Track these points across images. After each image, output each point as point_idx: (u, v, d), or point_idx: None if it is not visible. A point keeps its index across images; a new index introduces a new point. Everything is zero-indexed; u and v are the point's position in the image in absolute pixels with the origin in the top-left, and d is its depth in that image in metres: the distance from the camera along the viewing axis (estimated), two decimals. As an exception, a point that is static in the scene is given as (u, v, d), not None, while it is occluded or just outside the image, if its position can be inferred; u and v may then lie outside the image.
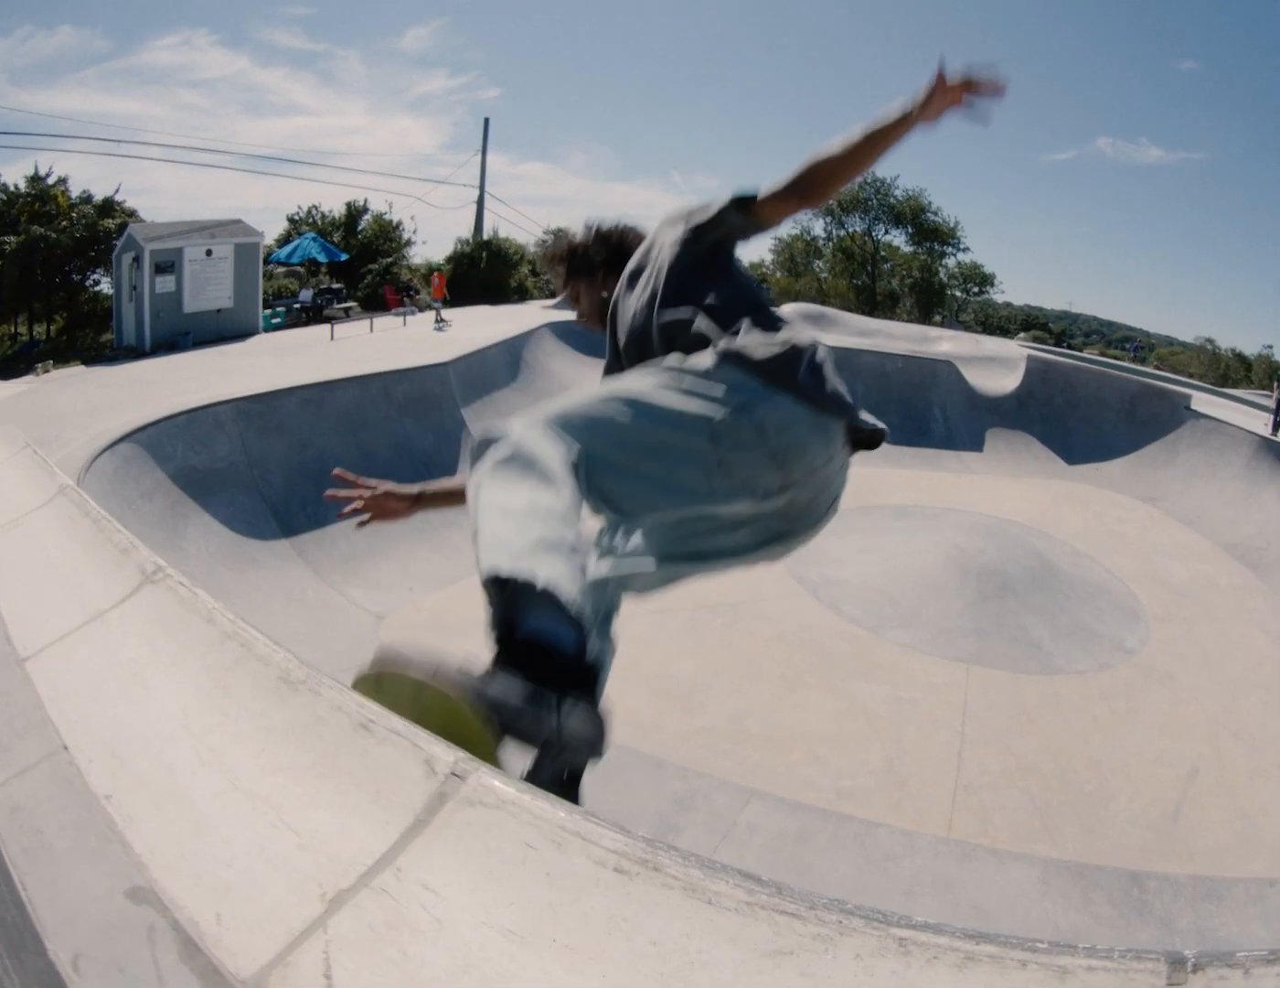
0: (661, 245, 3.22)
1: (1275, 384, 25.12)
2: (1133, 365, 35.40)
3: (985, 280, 69.03)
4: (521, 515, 2.21)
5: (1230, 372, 67.24)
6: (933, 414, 22.63)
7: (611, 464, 2.60)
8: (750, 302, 3.10)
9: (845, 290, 62.40)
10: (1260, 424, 23.10)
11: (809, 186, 3.04)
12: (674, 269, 3.11)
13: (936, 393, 23.05)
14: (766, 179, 3.11)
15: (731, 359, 2.77)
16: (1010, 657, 11.38)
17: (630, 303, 3.21)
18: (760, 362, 2.78)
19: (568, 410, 2.60)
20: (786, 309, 32.27)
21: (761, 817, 7.95)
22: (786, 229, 66.72)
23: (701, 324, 2.95)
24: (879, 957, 1.48)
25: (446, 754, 1.84)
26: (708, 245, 3.19)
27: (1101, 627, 12.79)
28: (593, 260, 3.57)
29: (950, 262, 66.97)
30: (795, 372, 2.85)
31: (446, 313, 27.78)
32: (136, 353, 21.70)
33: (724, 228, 3.20)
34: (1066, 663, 11.56)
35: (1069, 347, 60.21)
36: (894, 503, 16.45)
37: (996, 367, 26.16)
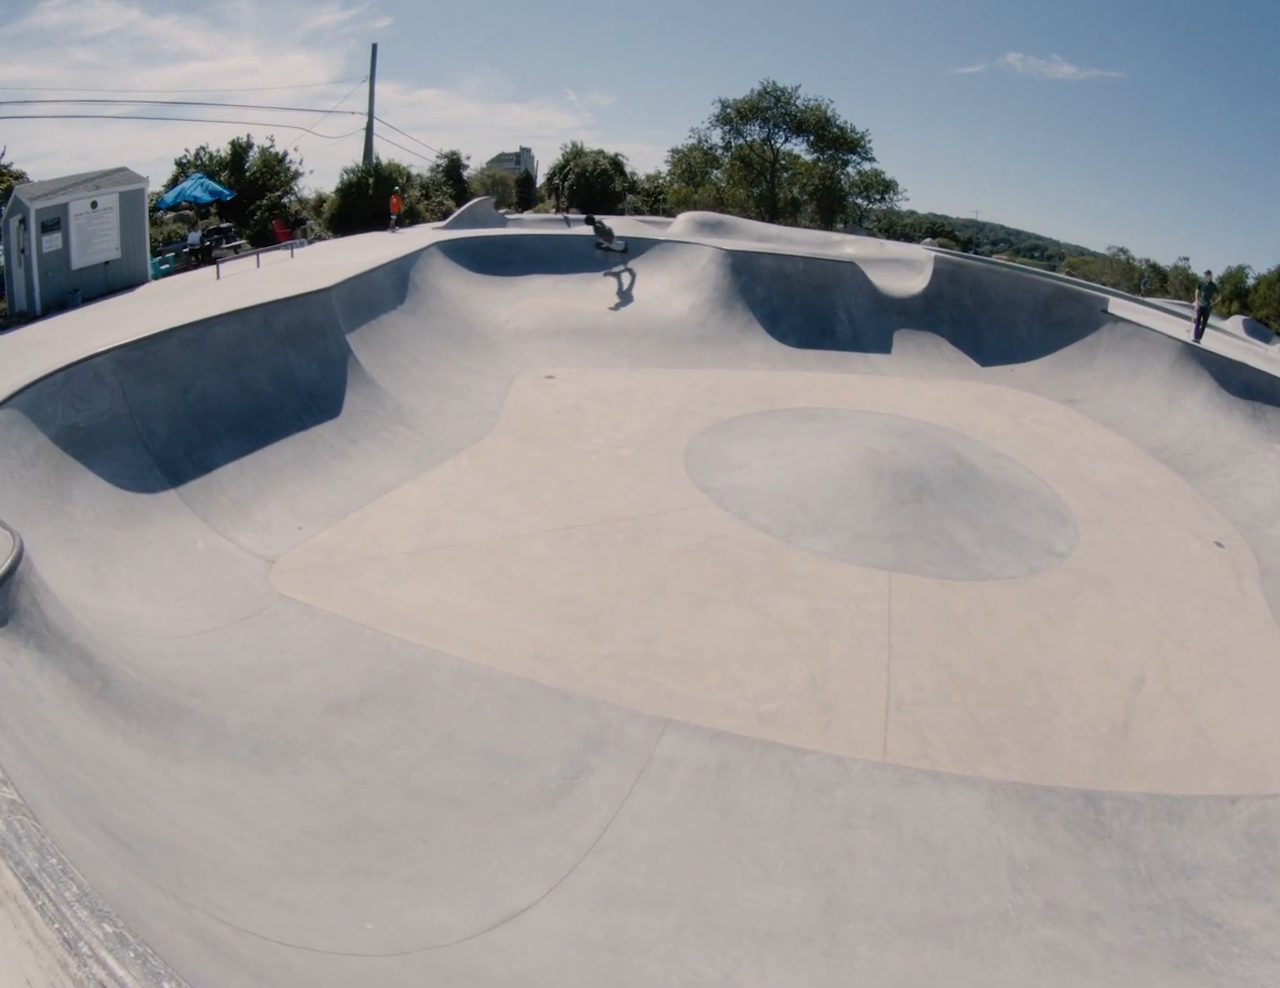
0: None
1: (1197, 292, 25.37)
2: (1042, 269, 35.68)
3: (888, 188, 69.68)
4: None
5: (1146, 280, 68.29)
6: (837, 315, 22.10)
7: None
8: None
9: (744, 198, 62.61)
10: (1181, 331, 23.44)
11: None
12: None
13: (840, 294, 22.50)
14: None
15: None
16: (934, 562, 10.91)
17: None
18: None
19: None
20: (682, 217, 31.72)
21: (679, 749, 7.44)
22: (682, 139, 67.41)
23: None
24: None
25: None
26: None
27: (1028, 530, 12.39)
28: None
29: (851, 170, 67.68)
30: None
31: (330, 243, 27.22)
32: (29, 317, 20.46)
33: None
34: (995, 568, 11.12)
35: (977, 252, 60.70)
36: (800, 406, 15.83)
37: (902, 268, 25.76)
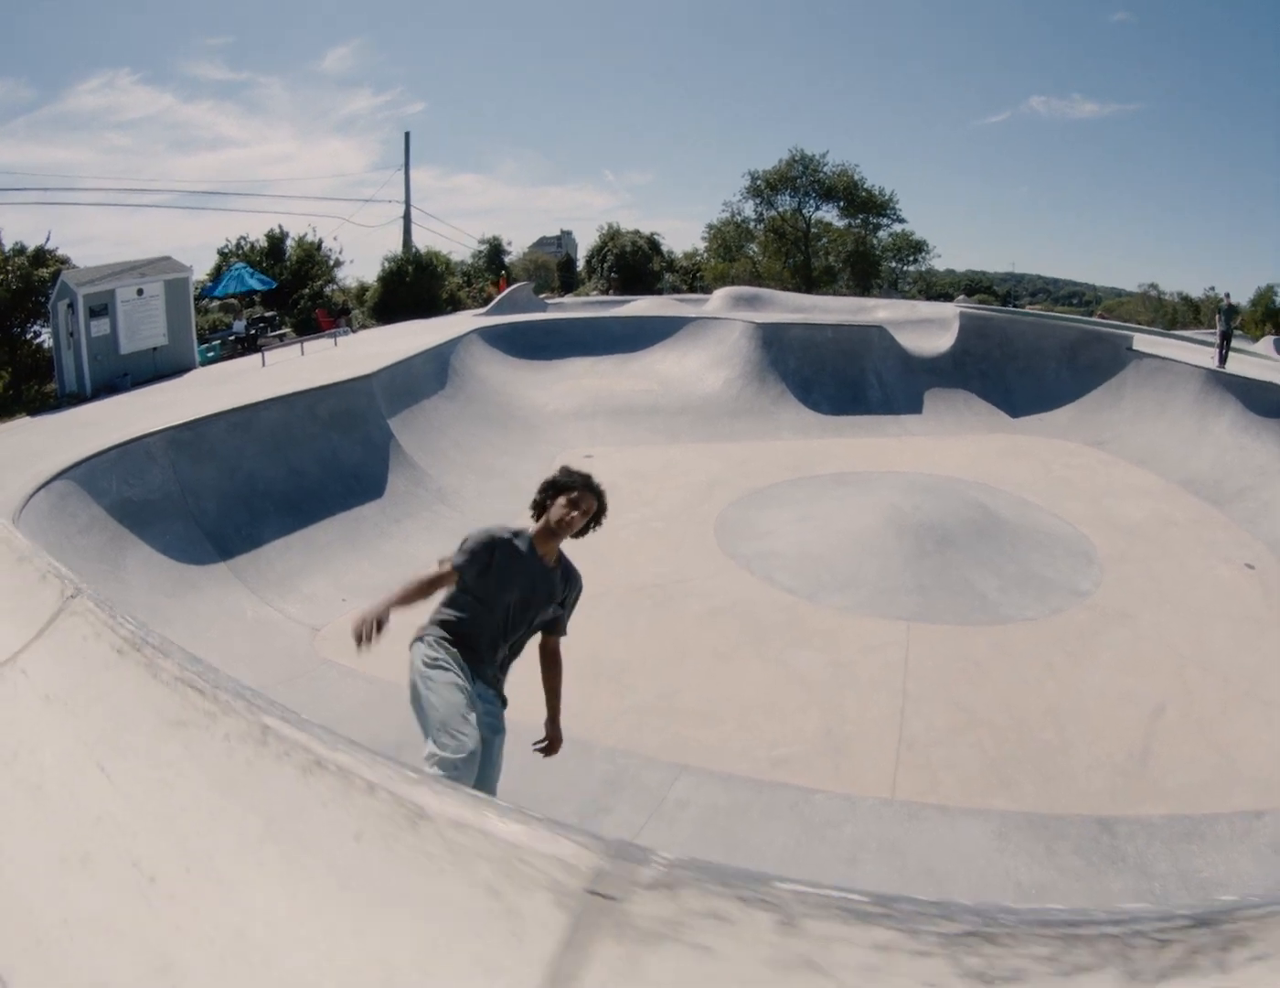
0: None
1: (1217, 317, 25.40)
2: (1069, 314, 35.72)
3: (919, 248, 69.92)
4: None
5: (1179, 315, 68.01)
6: (868, 380, 22.47)
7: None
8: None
9: (780, 270, 62.91)
10: (1206, 358, 23.45)
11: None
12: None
13: (870, 359, 22.89)
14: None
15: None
16: (955, 610, 11.17)
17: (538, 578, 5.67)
18: None
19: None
20: (719, 294, 32.22)
21: (692, 791, 7.71)
22: (717, 213, 68.37)
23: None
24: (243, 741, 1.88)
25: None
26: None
27: (1052, 572, 12.60)
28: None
29: (884, 234, 68.07)
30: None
31: (372, 331, 27.78)
32: (79, 398, 21.56)
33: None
34: (1016, 611, 11.35)
35: (1015, 306, 60.72)
36: (830, 471, 16.17)
37: (932, 328, 26.03)
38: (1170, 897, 7.03)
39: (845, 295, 45.56)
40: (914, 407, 22.23)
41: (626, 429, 19.30)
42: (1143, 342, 24.84)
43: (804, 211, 66.04)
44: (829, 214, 66.60)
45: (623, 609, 10.98)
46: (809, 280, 61.18)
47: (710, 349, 22.62)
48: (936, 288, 77.63)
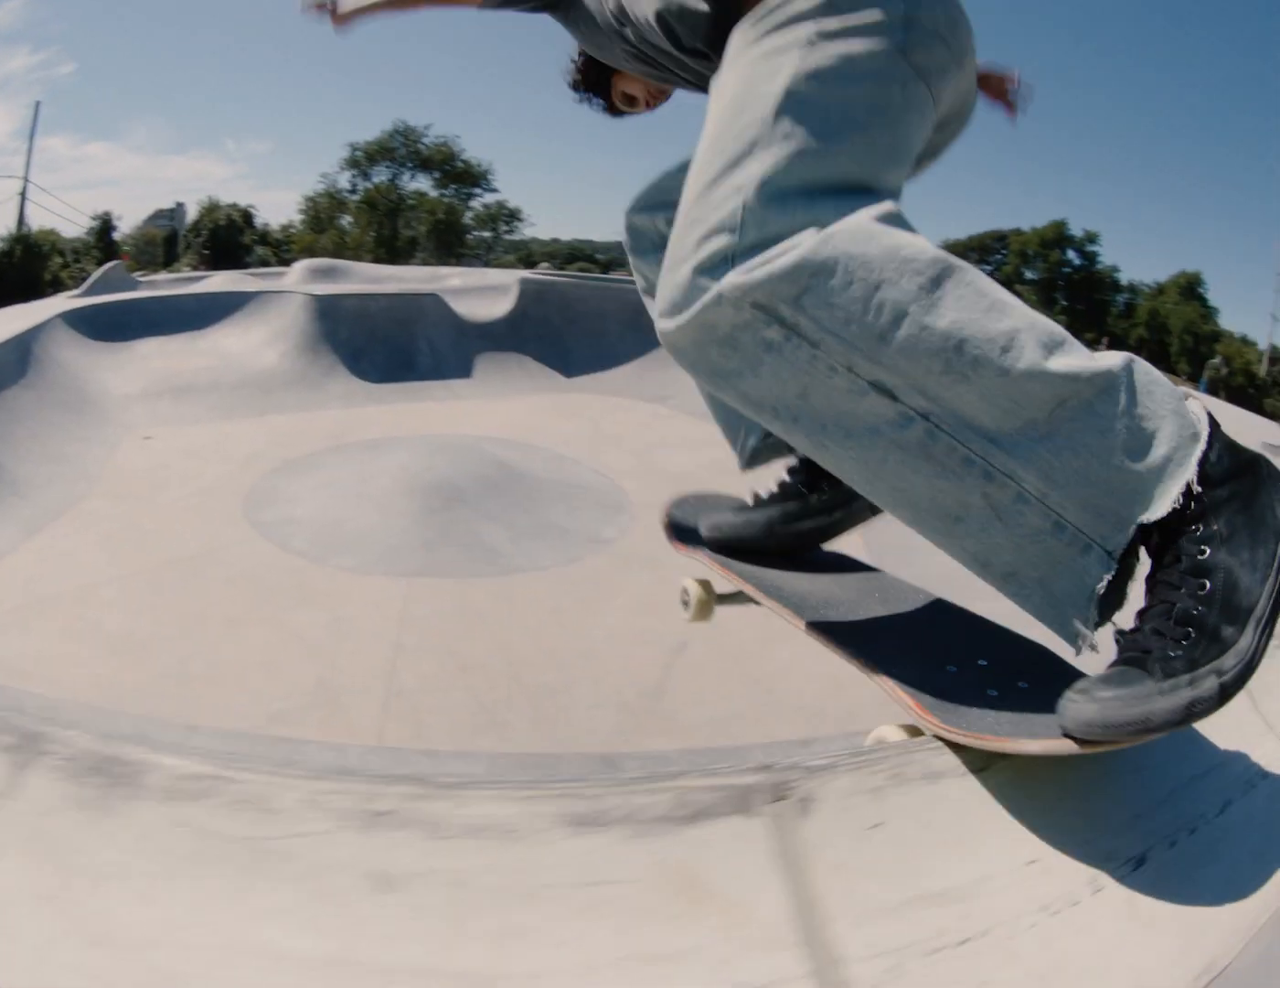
0: None
1: None
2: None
3: (512, 217, 70.86)
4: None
5: None
6: (418, 347, 22.14)
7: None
8: None
9: (367, 241, 62.66)
10: None
11: None
12: None
13: (422, 327, 22.56)
14: None
15: None
16: (460, 564, 11.02)
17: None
18: None
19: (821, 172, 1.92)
20: (297, 266, 31.41)
21: (202, 750, 7.19)
22: (306, 182, 68.13)
23: None
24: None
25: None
26: None
27: (573, 523, 12.64)
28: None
29: (476, 204, 68.78)
30: None
31: None
32: None
33: None
34: (527, 562, 11.28)
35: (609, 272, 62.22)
36: (369, 438, 15.72)
37: (494, 294, 25.94)
38: None
39: (430, 265, 45.31)
40: (464, 372, 22.05)
41: (188, 408, 18.40)
42: None
43: (399, 183, 66.19)
44: (425, 185, 67.07)
45: (154, 585, 10.46)
46: (393, 250, 61.36)
47: (272, 323, 21.79)
48: (534, 257, 78.75)
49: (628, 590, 10.89)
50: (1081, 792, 1.95)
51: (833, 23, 1.86)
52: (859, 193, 1.87)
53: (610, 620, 10.14)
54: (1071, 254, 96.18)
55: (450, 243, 64.90)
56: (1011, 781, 1.87)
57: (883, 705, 7.14)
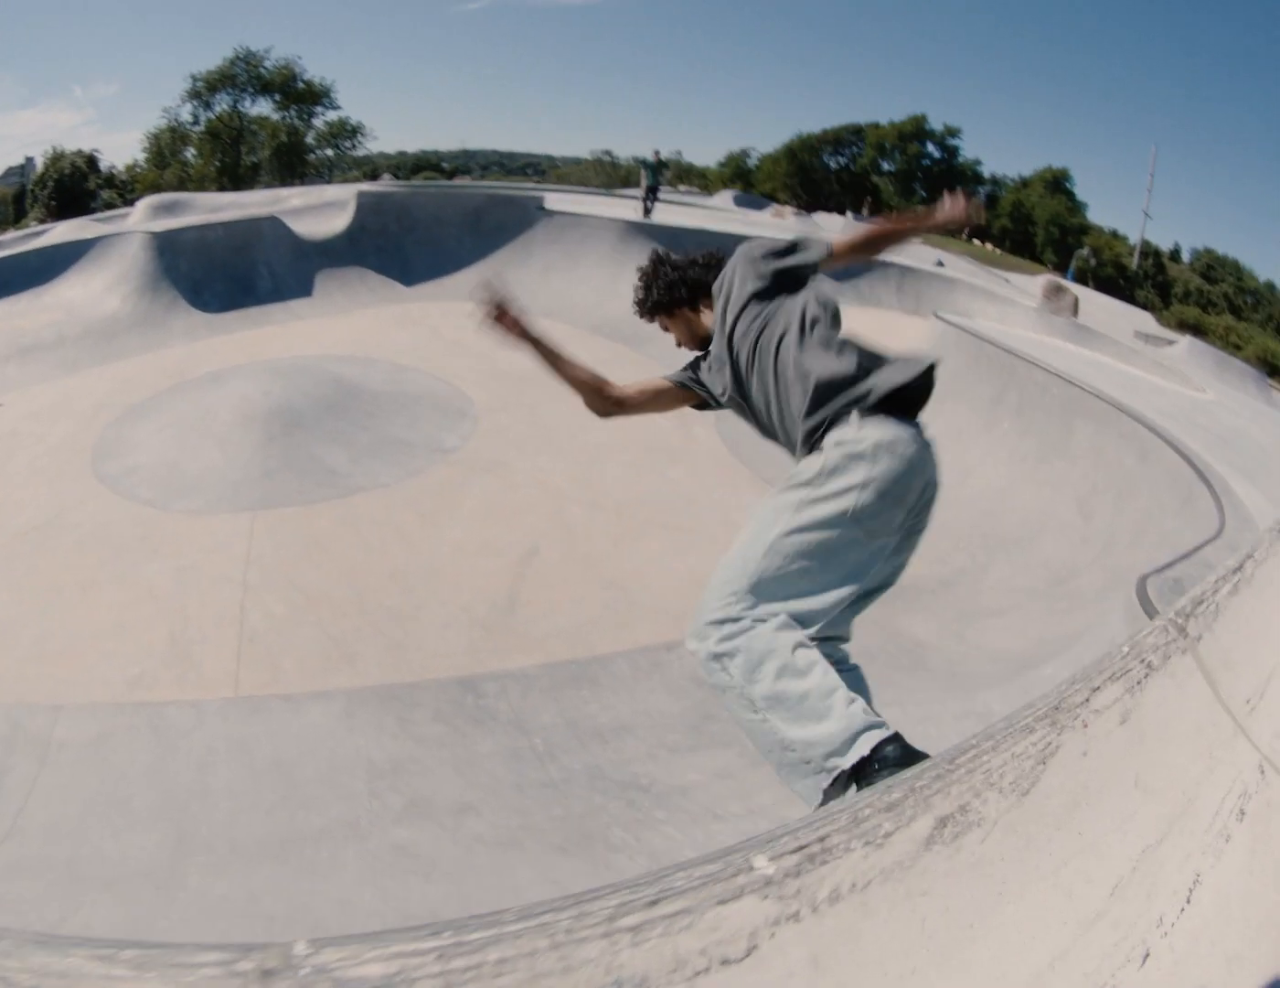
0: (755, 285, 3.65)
1: (643, 171, 26.89)
2: (480, 183, 37.00)
3: (354, 133, 69.51)
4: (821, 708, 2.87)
5: (632, 175, 71.72)
6: (258, 272, 21.58)
7: (813, 604, 3.00)
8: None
9: (211, 172, 60.98)
10: (631, 211, 25.12)
11: (867, 251, 4.02)
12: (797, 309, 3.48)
13: (261, 250, 21.98)
14: (836, 237, 3.95)
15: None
16: (301, 490, 10.84)
17: (751, 333, 3.51)
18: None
19: (765, 587, 2.99)
20: (140, 205, 30.40)
21: (70, 731, 7.11)
22: (154, 120, 66.74)
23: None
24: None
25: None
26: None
27: (414, 435, 12.53)
28: (678, 297, 4.10)
29: (319, 122, 67.47)
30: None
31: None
32: None
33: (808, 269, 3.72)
34: (368, 481, 11.16)
35: (466, 179, 61.49)
36: (211, 370, 15.30)
37: (332, 210, 25.55)
38: (555, 751, 6.85)
39: (274, 189, 44.16)
40: (304, 291, 21.59)
41: (34, 367, 17.64)
42: (561, 201, 25.74)
43: (241, 109, 64.48)
44: (267, 109, 65.51)
45: (6, 561, 10.04)
46: (236, 178, 59.81)
47: (114, 267, 21.01)
48: (379, 171, 77.49)
49: (472, 499, 10.87)
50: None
51: (815, 492, 3.00)
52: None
53: (456, 533, 10.10)
54: (931, 148, 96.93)
55: (293, 165, 63.54)
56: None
57: None
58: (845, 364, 3.19)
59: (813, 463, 3.09)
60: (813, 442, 3.21)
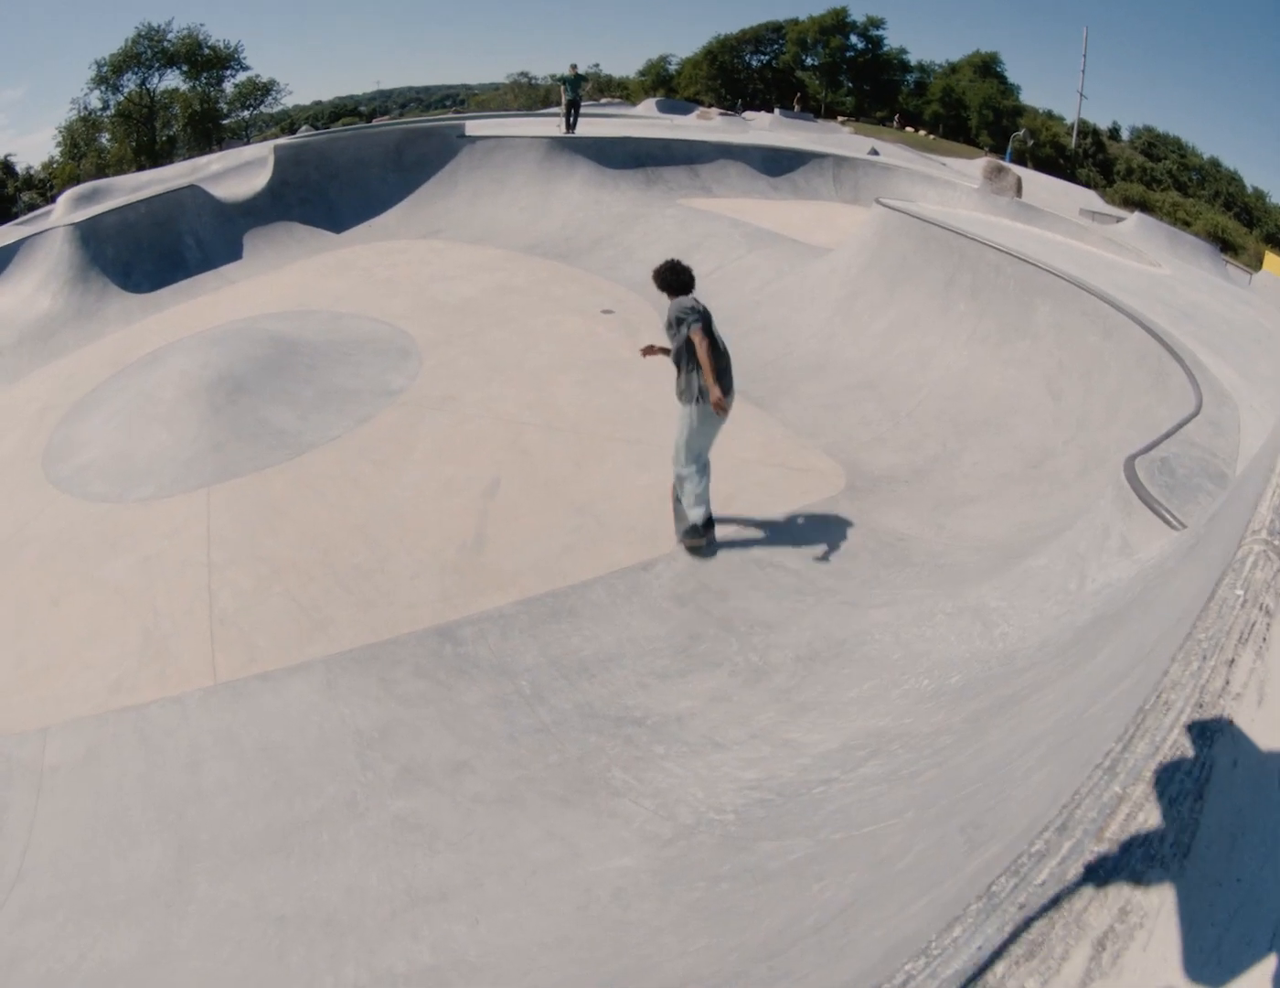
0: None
1: (563, 87, 27.00)
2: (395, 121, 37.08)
3: (267, 90, 68.57)
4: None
5: (552, 95, 71.42)
6: (185, 244, 20.85)
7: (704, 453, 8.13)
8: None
9: (127, 154, 59.83)
10: (554, 128, 25.35)
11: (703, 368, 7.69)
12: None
13: (185, 221, 21.24)
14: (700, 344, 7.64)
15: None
16: (253, 457, 10.41)
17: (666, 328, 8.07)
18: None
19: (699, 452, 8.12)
20: (61, 201, 29.60)
21: (60, 754, 6.77)
22: (65, 114, 66.16)
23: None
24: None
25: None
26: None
27: (358, 382, 12.10)
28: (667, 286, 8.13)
29: (228, 86, 66.55)
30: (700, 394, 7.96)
31: None
32: None
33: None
34: (319, 436, 10.74)
35: (385, 120, 60.89)
36: (146, 352, 14.75)
37: (252, 169, 25.11)
38: (543, 692, 6.60)
39: (192, 158, 43.23)
40: (234, 255, 20.89)
41: (-26, 379, 17.17)
42: (481, 126, 25.52)
43: (150, 87, 63.10)
44: (176, 81, 64.29)
45: None
46: (154, 155, 58.71)
47: (40, 266, 20.32)
48: (298, 124, 76.45)
49: (426, 439, 10.49)
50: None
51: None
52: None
53: (413, 476, 9.74)
54: (854, 39, 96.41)
55: (209, 132, 62.54)
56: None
57: (721, 515, 6.85)
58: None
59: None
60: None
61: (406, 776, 5.90)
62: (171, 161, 50.54)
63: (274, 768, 6.17)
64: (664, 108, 53.86)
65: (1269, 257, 34.84)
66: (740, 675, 6.59)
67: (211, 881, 5.37)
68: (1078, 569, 6.34)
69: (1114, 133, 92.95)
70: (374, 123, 52.87)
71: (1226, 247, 57.89)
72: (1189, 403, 7.98)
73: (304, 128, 50.15)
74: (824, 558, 8.11)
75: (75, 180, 51.71)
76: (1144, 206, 56.65)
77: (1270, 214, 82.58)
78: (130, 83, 62.84)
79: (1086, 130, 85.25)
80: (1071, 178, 68.70)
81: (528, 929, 4.45)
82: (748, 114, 53.19)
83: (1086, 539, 6.54)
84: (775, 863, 4.16)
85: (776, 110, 58.61)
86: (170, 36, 62.42)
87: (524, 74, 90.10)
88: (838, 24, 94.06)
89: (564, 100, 26.95)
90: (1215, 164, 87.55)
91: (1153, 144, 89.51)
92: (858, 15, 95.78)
